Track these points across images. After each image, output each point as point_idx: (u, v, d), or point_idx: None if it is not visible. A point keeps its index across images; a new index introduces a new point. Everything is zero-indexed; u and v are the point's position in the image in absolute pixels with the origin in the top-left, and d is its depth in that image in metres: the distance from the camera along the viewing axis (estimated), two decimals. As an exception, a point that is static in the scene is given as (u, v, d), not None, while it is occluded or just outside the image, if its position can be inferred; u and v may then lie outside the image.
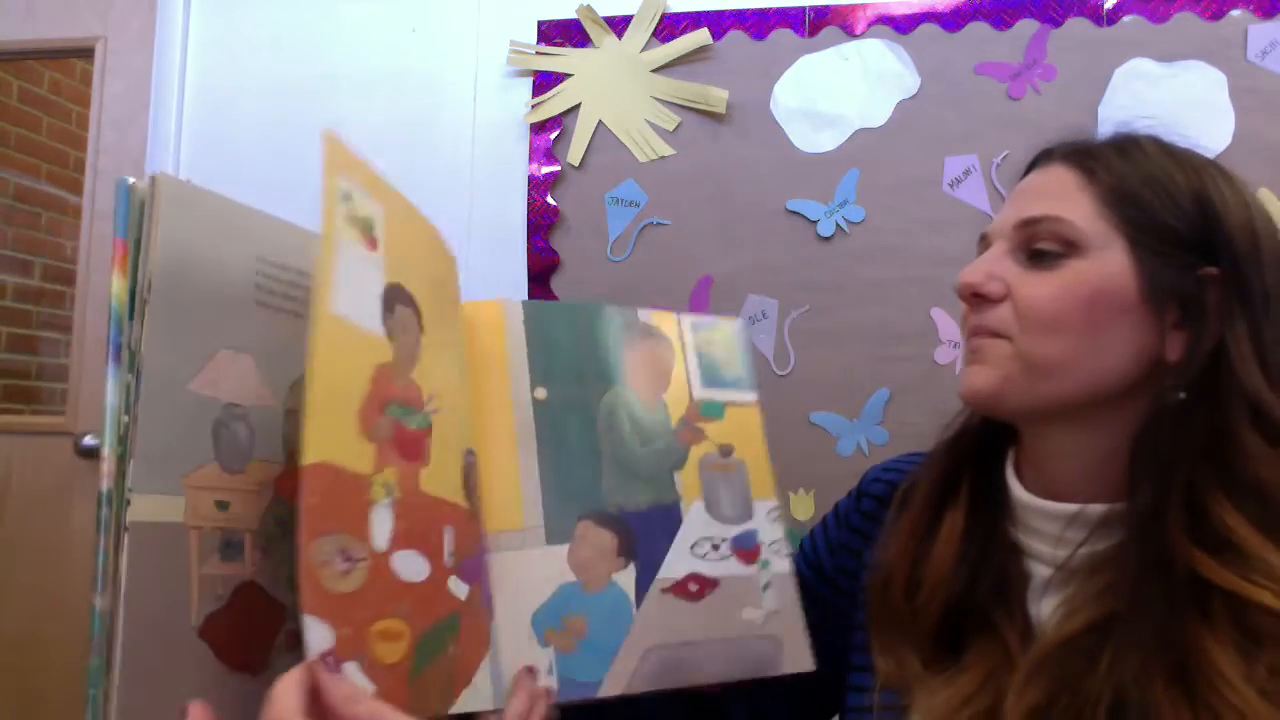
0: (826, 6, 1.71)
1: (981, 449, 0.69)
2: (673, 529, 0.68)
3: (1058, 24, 1.63)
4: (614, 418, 0.70)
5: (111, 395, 0.45)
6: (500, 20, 1.84)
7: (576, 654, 0.62)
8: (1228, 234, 0.60)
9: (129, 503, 0.45)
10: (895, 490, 0.73)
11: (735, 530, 0.70)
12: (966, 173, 1.64)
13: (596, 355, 0.70)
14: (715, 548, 0.69)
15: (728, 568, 0.69)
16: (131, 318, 0.46)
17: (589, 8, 1.78)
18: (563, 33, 1.80)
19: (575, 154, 1.77)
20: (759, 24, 1.73)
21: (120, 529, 0.44)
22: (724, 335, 0.77)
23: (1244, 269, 0.60)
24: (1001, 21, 1.65)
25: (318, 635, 0.43)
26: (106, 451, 0.45)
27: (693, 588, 0.67)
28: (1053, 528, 0.63)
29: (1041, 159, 0.68)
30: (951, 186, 1.65)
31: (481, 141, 1.84)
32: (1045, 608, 0.62)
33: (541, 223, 1.78)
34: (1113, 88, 1.60)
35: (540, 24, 1.81)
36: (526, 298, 1.77)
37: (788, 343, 1.68)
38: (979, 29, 1.66)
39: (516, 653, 0.61)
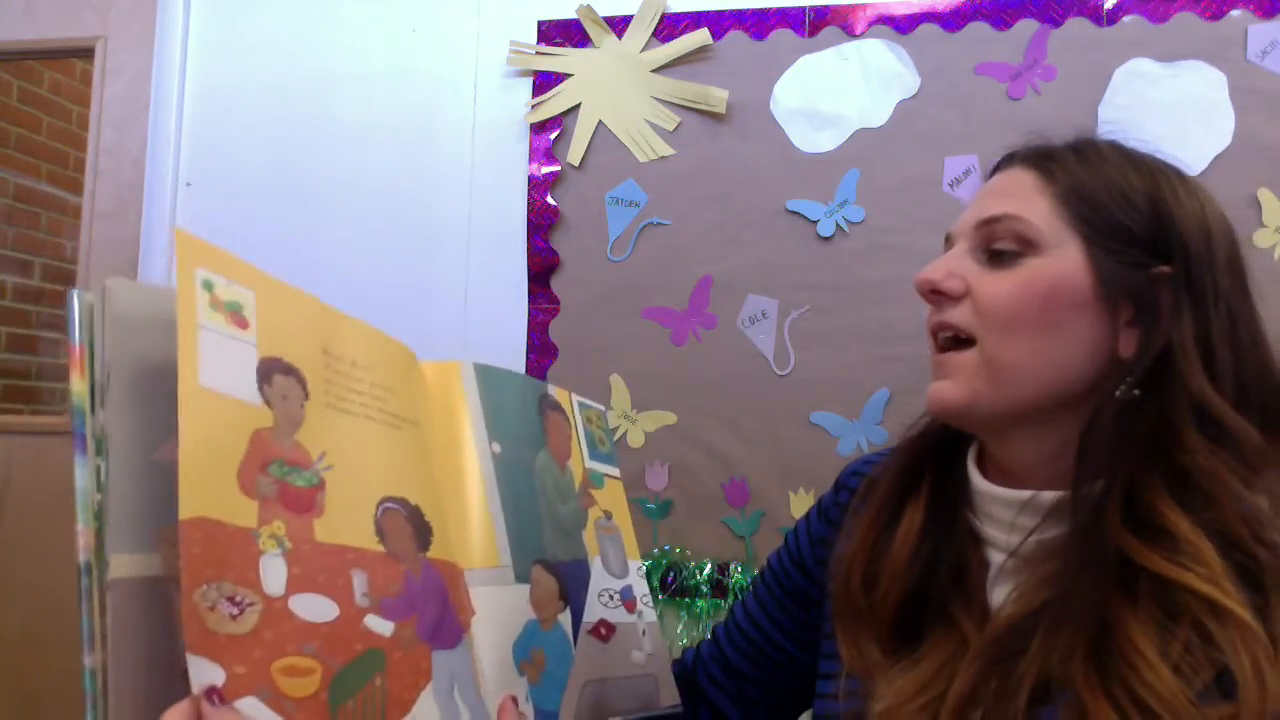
0: (826, 6, 1.71)
1: (944, 444, 0.71)
2: (586, 580, 0.77)
3: (1058, 24, 1.63)
4: (544, 478, 0.77)
5: (81, 480, 0.51)
6: (500, 20, 1.84)
7: (540, 685, 0.69)
8: (1180, 233, 0.62)
9: (108, 563, 0.50)
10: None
11: (620, 584, 0.80)
12: (966, 173, 1.64)
13: (528, 420, 0.77)
14: (611, 598, 0.78)
15: (620, 615, 0.79)
16: (93, 410, 0.52)
17: (589, 8, 1.78)
18: (563, 33, 1.80)
19: (575, 154, 1.77)
20: (759, 24, 1.73)
21: (102, 592, 0.50)
22: (597, 415, 0.86)
23: (1195, 268, 0.61)
24: (1001, 21, 1.65)
25: (200, 672, 0.48)
26: (82, 527, 0.50)
27: (603, 631, 0.76)
28: (1007, 514, 0.64)
29: (1004, 162, 0.71)
30: (951, 186, 1.65)
31: (481, 141, 1.84)
32: (999, 595, 0.63)
33: (541, 223, 1.78)
34: (1113, 88, 1.60)
35: (540, 24, 1.81)
36: (527, 298, 1.77)
37: (788, 343, 1.68)
38: (979, 29, 1.66)
39: (502, 680, 0.66)
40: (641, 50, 1.76)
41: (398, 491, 0.63)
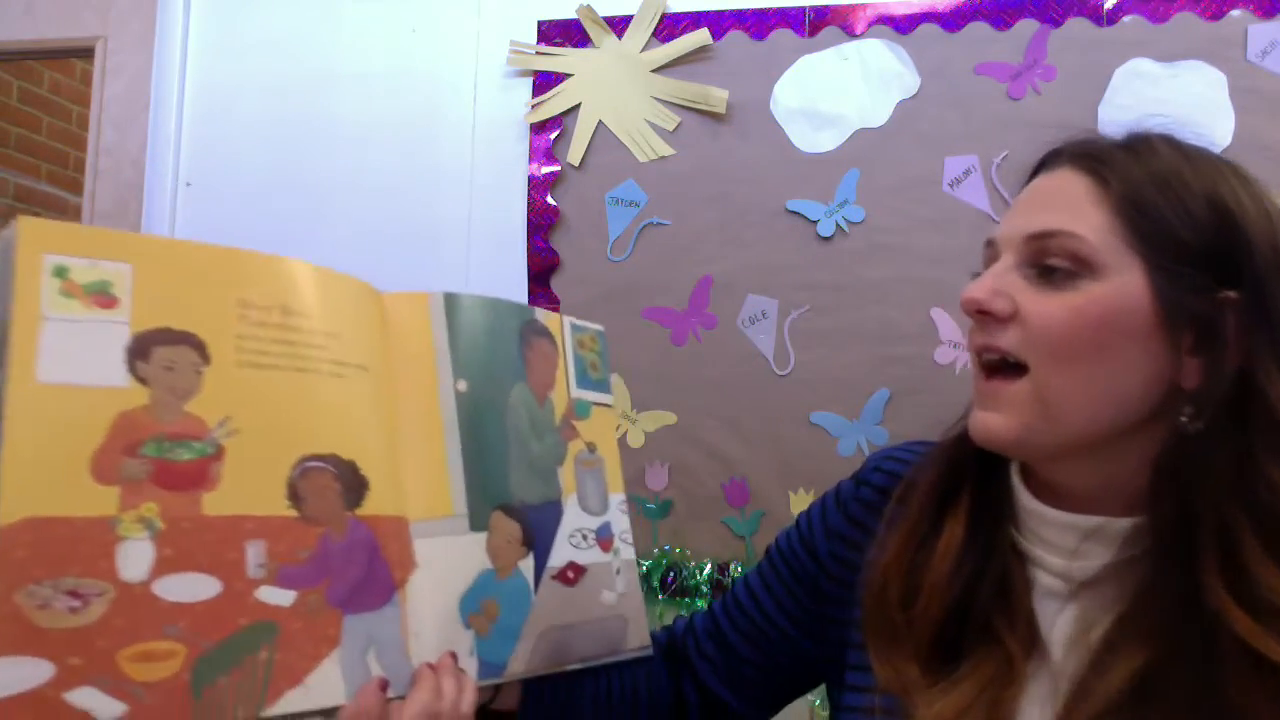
0: (826, 6, 1.71)
1: (985, 453, 0.66)
2: (557, 521, 0.74)
3: (1058, 24, 1.63)
4: (518, 415, 0.73)
5: None
6: (500, 20, 1.84)
7: (489, 637, 0.67)
8: (1248, 251, 0.57)
9: None
10: (895, 481, 0.72)
11: (598, 522, 0.77)
12: (966, 173, 1.64)
13: (504, 352, 0.73)
14: (585, 538, 0.76)
15: (593, 555, 0.76)
16: None
17: (589, 8, 1.78)
18: (563, 33, 1.80)
19: (575, 154, 1.77)
20: (759, 24, 1.73)
21: None
22: (593, 338, 0.82)
23: (1267, 290, 0.56)
24: (1001, 21, 1.65)
25: (12, 672, 0.48)
26: None
27: (570, 574, 0.74)
28: (1067, 540, 0.61)
29: (1050, 160, 0.65)
30: (951, 186, 1.65)
31: (481, 141, 1.83)
32: (1048, 614, 0.61)
33: (541, 223, 1.78)
34: (1113, 88, 1.60)
35: (540, 24, 1.81)
36: (527, 298, 1.77)
37: (788, 343, 1.68)
38: (979, 29, 1.66)
39: (442, 636, 0.65)
40: (641, 50, 1.76)
41: (327, 447, 0.62)
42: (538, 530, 0.72)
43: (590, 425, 0.79)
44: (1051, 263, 0.59)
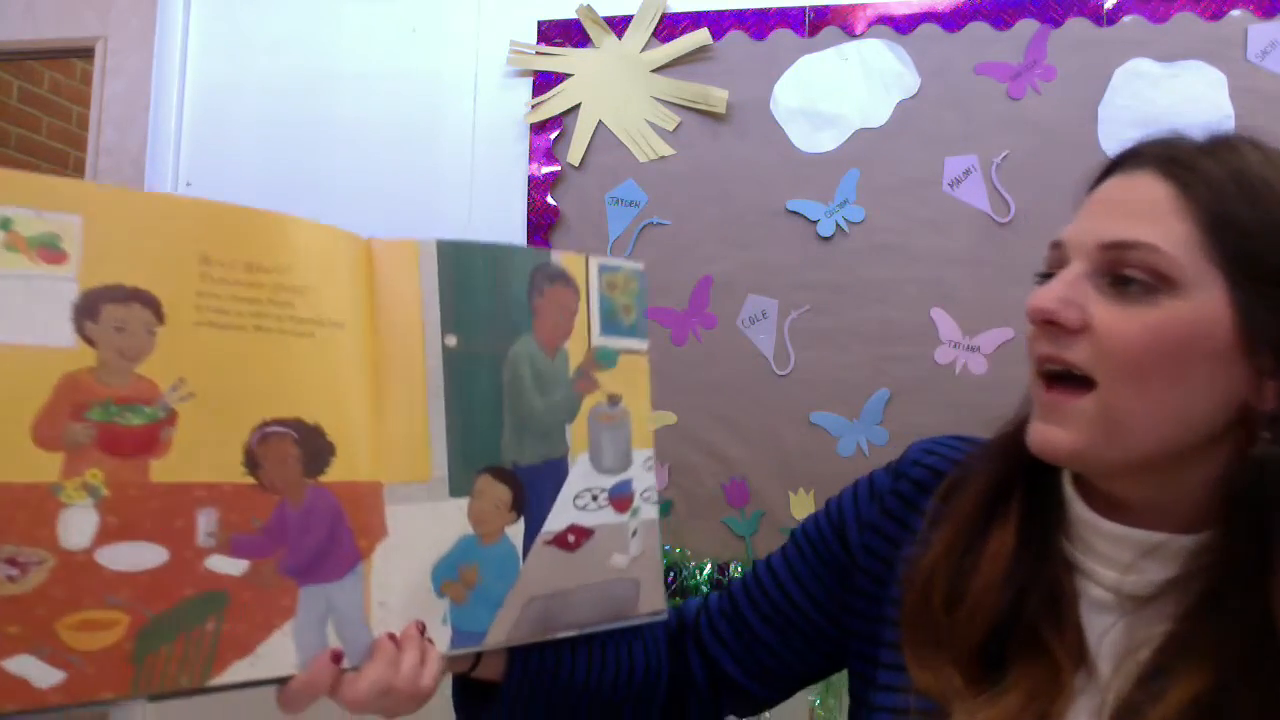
0: (826, 6, 1.71)
1: (1037, 458, 0.64)
2: (559, 482, 0.71)
3: (1058, 24, 1.63)
4: (518, 370, 0.69)
5: None
6: (500, 20, 1.84)
7: (467, 605, 0.66)
8: None
9: None
10: (935, 476, 0.70)
11: (613, 480, 0.73)
12: (966, 173, 1.64)
13: (507, 301, 0.69)
14: (594, 498, 0.72)
15: (603, 517, 0.72)
16: None
17: (589, 8, 1.78)
18: (563, 33, 1.80)
19: (575, 154, 1.77)
20: (759, 24, 1.73)
21: None
22: (626, 279, 0.76)
23: None
24: (1001, 21, 1.65)
25: None
26: None
27: (571, 539, 0.71)
28: (1122, 554, 0.59)
29: (1129, 161, 0.61)
30: (951, 186, 1.65)
31: (481, 141, 1.84)
32: (1099, 630, 0.59)
33: (541, 223, 1.78)
34: (1113, 88, 1.60)
35: (540, 24, 1.81)
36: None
37: (788, 343, 1.68)
38: (979, 29, 1.66)
39: (411, 604, 0.63)
40: (641, 50, 1.76)
41: (291, 411, 0.59)
42: (533, 493, 0.69)
43: (615, 375, 0.74)
44: (1128, 274, 0.56)
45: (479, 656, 0.70)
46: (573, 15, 1.79)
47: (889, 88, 1.68)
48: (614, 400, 0.74)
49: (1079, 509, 0.61)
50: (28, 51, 2.12)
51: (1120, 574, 0.59)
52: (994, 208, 1.63)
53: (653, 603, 0.74)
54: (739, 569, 1.66)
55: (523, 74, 1.82)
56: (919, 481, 0.71)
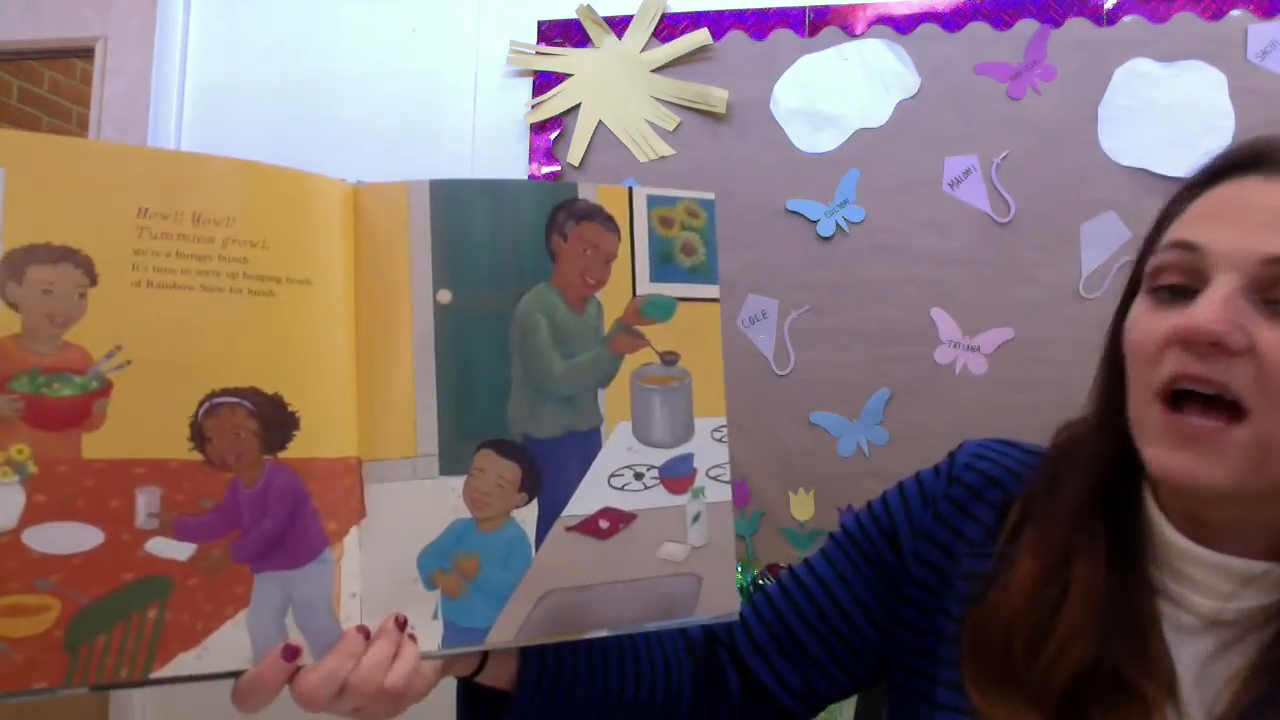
0: (826, 6, 1.71)
1: (1122, 476, 0.59)
2: (588, 458, 0.61)
3: (1058, 24, 1.63)
4: (529, 326, 0.60)
5: None
6: (500, 20, 1.84)
7: (464, 598, 0.58)
8: None
9: None
10: (989, 482, 0.67)
11: (667, 455, 0.62)
12: (966, 173, 1.64)
13: (518, 247, 0.60)
14: (638, 476, 0.62)
15: (650, 499, 0.62)
16: None
17: (589, 8, 1.78)
18: (563, 33, 1.80)
19: (575, 154, 1.77)
20: (759, 24, 1.73)
21: None
22: (687, 212, 0.64)
23: None
24: (1001, 21, 1.65)
25: None
26: None
27: (603, 524, 0.61)
28: (1220, 582, 0.55)
29: (1266, 163, 0.55)
30: (951, 186, 1.65)
31: (481, 141, 1.84)
32: (1181, 653, 0.56)
33: (541, 223, 1.77)
34: (1113, 88, 1.60)
35: (540, 24, 1.81)
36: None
37: (788, 343, 1.68)
38: (979, 29, 1.66)
39: (395, 597, 0.57)
40: (641, 50, 1.76)
41: (243, 379, 0.54)
42: (550, 471, 0.60)
43: (670, 329, 0.62)
44: None
45: (484, 659, 0.63)
46: (573, 15, 1.79)
47: (889, 88, 1.68)
48: (669, 358, 0.62)
49: (1172, 536, 0.57)
50: (28, 51, 2.12)
51: (1220, 602, 0.55)
52: (994, 208, 1.63)
53: (721, 603, 0.63)
54: (739, 569, 1.66)
55: (523, 74, 1.82)
56: (972, 487, 0.67)
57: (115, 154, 0.53)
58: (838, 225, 1.68)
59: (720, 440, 0.64)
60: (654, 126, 1.75)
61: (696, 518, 0.63)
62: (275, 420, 0.55)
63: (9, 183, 0.49)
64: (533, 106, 1.80)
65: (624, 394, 0.62)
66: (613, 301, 0.62)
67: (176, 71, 1.94)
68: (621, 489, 0.61)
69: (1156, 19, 1.60)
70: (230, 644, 0.53)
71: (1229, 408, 0.52)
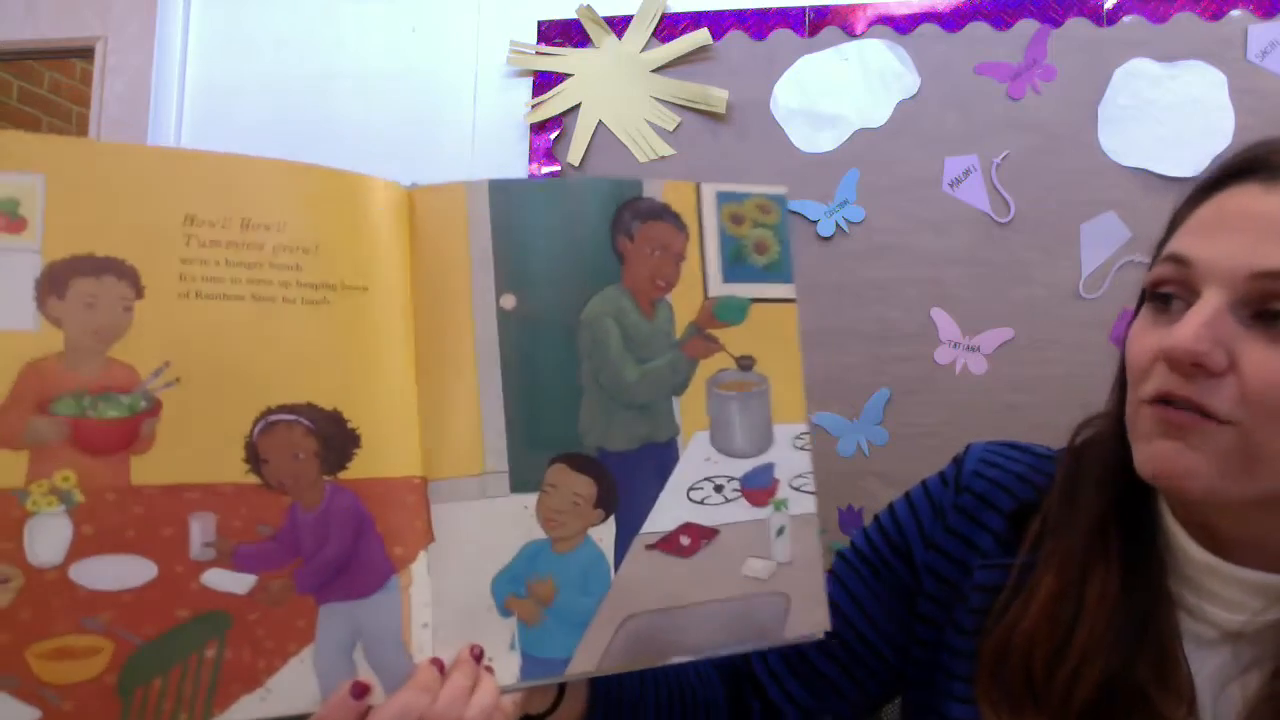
0: (826, 6, 1.71)
1: (1135, 486, 0.57)
2: (665, 471, 0.57)
3: (1058, 24, 1.63)
4: (600, 332, 0.56)
5: None
6: (500, 20, 1.84)
7: (542, 625, 0.54)
8: None
9: None
10: (999, 490, 0.65)
11: (747, 465, 0.59)
12: (966, 173, 1.64)
13: (584, 248, 0.56)
14: (718, 489, 0.58)
15: (731, 512, 0.58)
16: None
17: (589, 8, 1.78)
18: (563, 33, 1.80)
19: (575, 154, 1.77)
20: (759, 24, 1.73)
21: None
22: (759, 207, 0.61)
23: None
24: (1001, 21, 1.65)
25: None
26: None
27: (684, 541, 0.57)
28: (1248, 598, 0.54)
29: (1262, 170, 0.53)
30: (951, 186, 1.65)
31: (481, 141, 1.83)
32: (1199, 665, 0.55)
33: (541, 223, 1.77)
34: (1113, 88, 1.60)
35: (540, 24, 1.81)
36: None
37: (788, 343, 1.68)
38: (979, 29, 1.66)
39: (469, 626, 0.53)
40: (641, 50, 1.76)
41: (300, 395, 0.50)
42: (627, 485, 0.56)
43: (747, 331, 0.59)
44: None
45: (561, 693, 0.59)
46: (573, 15, 1.79)
47: (889, 88, 1.68)
48: (745, 363, 0.59)
49: (1190, 547, 0.56)
50: (28, 51, 2.12)
51: (1240, 616, 0.54)
52: (994, 208, 1.63)
53: (809, 622, 0.59)
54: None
55: (523, 74, 1.82)
56: (982, 495, 0.65)
57: (159, 157, 0.50)
58: (838, 225, 1.68)
59: (802, 448, 0.61)
60: (654, 126, 1.75)
61: (780, 531, 0.59)
62: (335, 438, 0.51)
63: (49, 190, 0.46)
64: (533, 106, 1.80)
65: (699, 401, 0.58)
66: (683, 304, 0.58)
67: (176, 71, 1.94)
68: (701, 502, 0.58)
69: (1156, 19, 1.60)
70: (295, 683, 0.49)
71: (1212, 419, 0.51)
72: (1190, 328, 0.50)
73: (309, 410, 0.50)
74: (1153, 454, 0.52)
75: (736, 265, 0.60)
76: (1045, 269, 1.60)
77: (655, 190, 0.58)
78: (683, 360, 0.58)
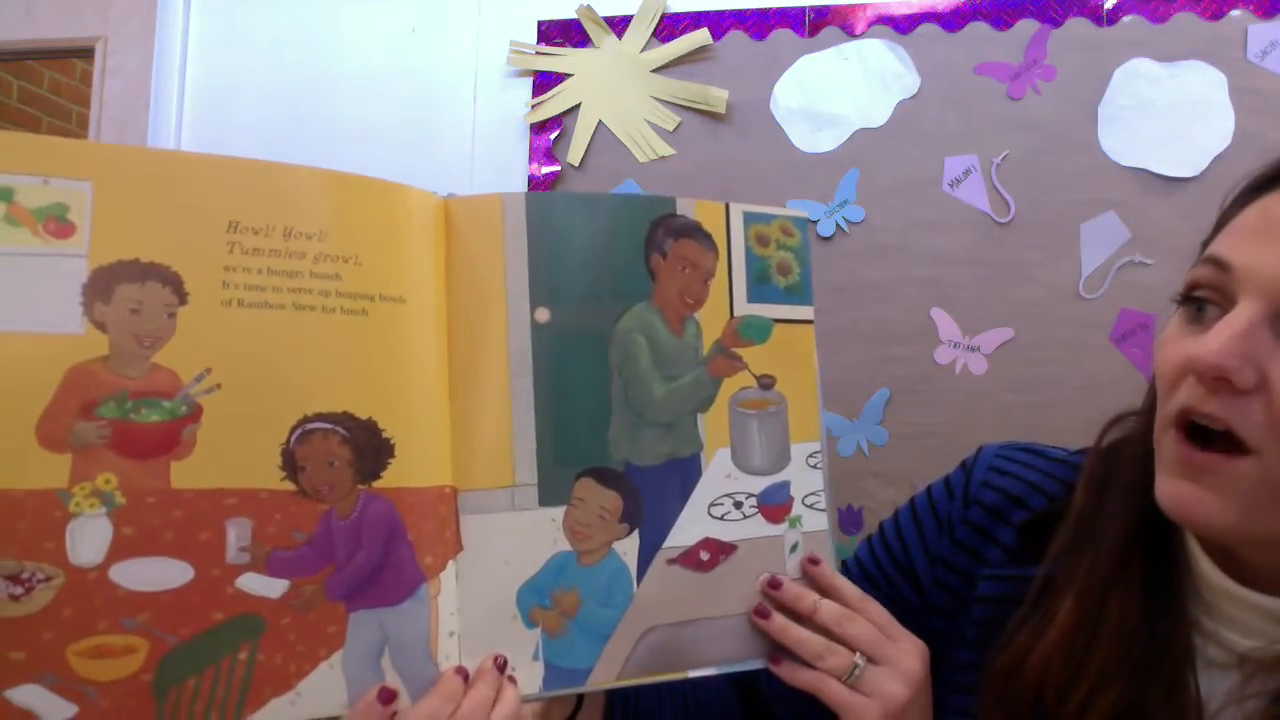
0: (826, 6, 1.71)
1: (1153, 504, 0.54)
2: (688, 487, 0.58)
3: (1058, 24, 1.63)
4: (630, 348, 0.57)
5: None
6: (500, 20, 1.84)
7: (565, 636, 0.55)
8: None
9: None
10: (1010, 500, 0.62)
11: (765, 483, 0.60)
12: (966, 173, 1.64)
13: (618, 263, 0.57)
14: (738, 505, 0.59)
15: (750, 528, 0.59)
16: None
17: (589, 8, 1.78)
18: (563, 33, 1.80)
19: (575, 154, 1.77)
20: (759, 24, 1.73)
21: None
22: (782, 229, 0.62)
23: None
24: (1001, 21, 1.65)
25: None
26: None
27: (703, 556, 0.58)
28: (1260, 623, 0.52)
29: None
30: (951, 186, 1.65)
31: (481, 141, 1.84)
32: (1220, 695, 0.53)
33: (541, 223, 1.77)
34: (1113, 88, 1.60)
35: (540, 24, 1.81)
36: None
37: (788, 343, 1.68)
38: (979, 29, 1.66)
39: (494, 635, 0.54)
40: (641, 50, 1.76)
41: (338, 404, 0.51)
42: (650, 500, 0.57)
43: (769, 351, 0.61)
44: None
45: (579, 704, 0.60)
46: (573, 15, 1.79)
47: (889, 88, 1.68)
48: (766, 382, 0.61)
49: (1210, 572, 0.54)
50: (28, 51, 2.12)
51: (1256, 642, 0.52)
52: (994, 208, 1.63)
53: None
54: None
55: (523, 74, 1.82)
56: (993, 508, 0.63)
57: (204, 165, 0.50)
58: (838, 225, 1.68)
59: (815, 466, 0.62)
60: (654, 126, 1.75)
61: (794, 548, 0.61)
62: (369, 448, 0.52)
63: (96, 197, 0.47)
64: (533, 106, 1.80)
65: (722, 419, 0.59)
66: (711, 322, 0.59)
67: (176, 71, 1.94)
68: (721, 518, 0.59)
69: (1156, 19, 1.60)
70: (324, 687, 0.50)
71: (1239, 446, 0.48)
72: (1219, 339, 0.47)
73: (345, 419, 0.51)
74: (1173, 492, 0.50)
75: (761, 285, 0.61)
76: (1045, 269, 1.60)
77: (687, 208, 0.59)
78: (707, 378, 0.59)
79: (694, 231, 0.59)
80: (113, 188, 0.47)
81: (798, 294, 0.63)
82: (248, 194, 0.50)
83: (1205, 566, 0.54)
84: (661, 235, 0.58)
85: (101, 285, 0.47)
